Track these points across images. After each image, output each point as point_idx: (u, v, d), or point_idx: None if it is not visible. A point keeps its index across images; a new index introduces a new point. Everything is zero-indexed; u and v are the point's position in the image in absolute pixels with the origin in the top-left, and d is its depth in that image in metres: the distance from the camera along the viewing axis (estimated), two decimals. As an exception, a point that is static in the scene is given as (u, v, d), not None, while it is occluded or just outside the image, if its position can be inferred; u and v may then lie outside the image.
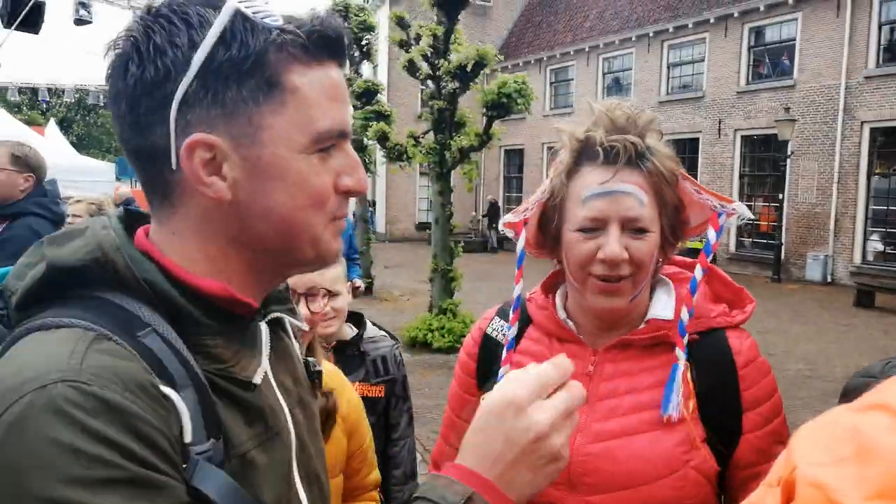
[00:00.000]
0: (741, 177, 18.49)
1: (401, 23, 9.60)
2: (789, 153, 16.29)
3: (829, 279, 16.13)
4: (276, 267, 0.75)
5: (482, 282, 13.52)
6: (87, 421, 0.54)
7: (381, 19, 26.86)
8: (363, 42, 17.56)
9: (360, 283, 7.03)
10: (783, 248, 16.75)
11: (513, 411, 0.70)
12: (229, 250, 0.71)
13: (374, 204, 29.30)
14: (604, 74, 22.72)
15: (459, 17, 9.10)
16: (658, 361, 1.16)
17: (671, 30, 19.88)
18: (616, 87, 22.38)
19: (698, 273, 1.17)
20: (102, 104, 37.99)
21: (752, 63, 18.33)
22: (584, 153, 1.14)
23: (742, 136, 18.41)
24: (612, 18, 22.42)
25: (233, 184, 0.68)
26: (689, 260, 1.28)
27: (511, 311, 1.27)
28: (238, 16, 0.65)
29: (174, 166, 0.67)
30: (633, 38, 21.01)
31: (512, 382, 0.73)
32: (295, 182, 0.69)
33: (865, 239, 15.96)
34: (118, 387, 0.57)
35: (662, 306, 1.20)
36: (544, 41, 25.34)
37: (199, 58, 0.64)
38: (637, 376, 1.16)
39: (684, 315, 1.15)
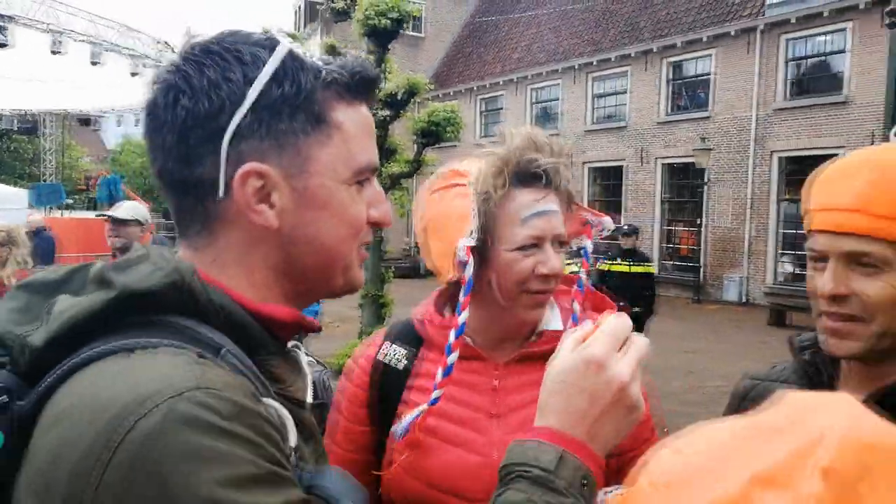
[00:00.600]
0: (663, 202, 19.28)
1: (332, 52, 9.64)
2: (706, 180, 17.14)
3: (745, 300, 16.95)
4: (309, 295, 0.79)
5: (414, 307, 13.45)
6: (225, 424, 0.56)
7: (313, 48, 26.84)
8: (294, 68, 17.34)
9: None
10: (702, 270, 17.53)
11: (594, 368, 0.75)
12: (270, 278, 0.74)
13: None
14: (532, 104, 23.38)
15: (391, 47, 9.21)
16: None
17: (595, 63, 20.69)
18: (544, 116, 23.05)
19: (584, 276, 1.28)
20: (16, 128, 36.25)
21: (671, 95, 19.27)
22: (517, 176, 1.18)
23: (663, 164, 19.25)
24: (539, 51, 23.16)
25: (280, 212, 0.71)
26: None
27: (455, 337, 1.21)
28: (290, 56, 0.71)
29: (221, 195, 0.70)
30: (560, 70, 21.75)
31: (581, 343, 0.77)
32: (338, 211, 0.74)
33: (777, 261, 16.89)
34: (241, 392, 0.60)
35: (553, 318, 1.28)
36: (475, 71, 25.90)
37: (253, 92, 0.68)
38: (540, 387, 1.20)
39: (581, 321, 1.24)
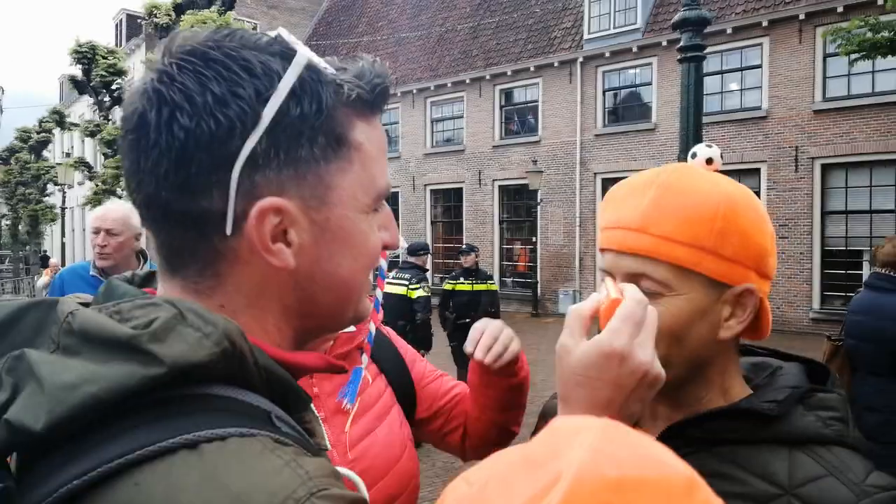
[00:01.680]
0: (501, 222, 20.15)
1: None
2: (539, 201, 18.18)
3: (578, 312, 18.07)
4: (317, 332, 0.70)
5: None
6: None
7: (136, 64, 25.15)
8: (113, 87, 16.17)
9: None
10: (539, 285, 18.51)
11: (617, 361, 0.72)
12: (282, 322, 0.64)
13: (144, 255, 26.76)
14: (373, 127, 23.48)
15: (256, 31, 8.84)
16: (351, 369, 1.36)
17: (432, 88, 21.29)
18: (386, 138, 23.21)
19: (379, 295, 1.37)
20: None
21: (503, 120, 20.28)
22: None
23: (499, 186, 20.15)
24: (378, 74, 23.38)
25: (298, 249, 0.61)
26: None
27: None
28: (310, 67, 0.59)
29: (229, 231, 0.58)
30: (399, 94, 22.11)
31: (602, 334, 0.74)
32: (359, 243, 0.65)
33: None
34: (333, 475, 0.52)
35: None
36: (313, 93, 25.56)
37: (269, 112, 0.56)
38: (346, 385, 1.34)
39: (372, 328, 1.38)
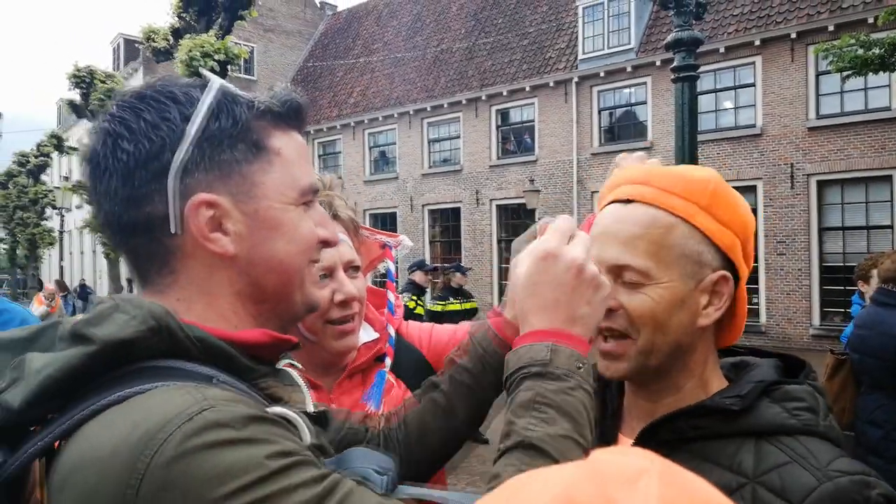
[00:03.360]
0: (499, 241, 20.16)
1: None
2: (537, 220, 18.17)
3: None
4: (273, 318, 0.79)
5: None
6: (239, 434, 0.58)
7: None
8: (112, 110, 16.16)
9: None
10: (539, 305, 18.47)
11: (550, 260, 0.81)
12: (237, 305, 0.75)
13: (130, 282, 26.74)
14: (370, 148, 23.63)
15: (177, 77, 8.90)
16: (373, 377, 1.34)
17: (429, 109, 21.43)
18: (383, 159, 23.38)
19: (391, 297, 1.36)
20: None
21: (500, 140, 20.39)
22: None
23: (497, 205, 20.21)
24: (375, 96, 23.59)
25: (236, 238, 0.73)
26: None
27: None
28: (222, 91, 0.74)
29: (174, 230, 0.71)
30: (396, 115, 22.25)
31: (534, 243, 0.84)
32: (289, 230, 0.76)
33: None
34: (244, 404, 0.62)
35: (364, 333, 1.34)
36: (311, 115, 25.33)
37: (192, 128, 0.71)
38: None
39: (392, 331, 1.36)
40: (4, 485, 0.63)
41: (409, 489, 0.80)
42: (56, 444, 0.64)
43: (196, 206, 0.71)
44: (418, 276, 7.79)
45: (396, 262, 1.39)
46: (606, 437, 1.02)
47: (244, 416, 0.60)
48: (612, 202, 0.98)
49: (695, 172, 0.95)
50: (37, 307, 10.60)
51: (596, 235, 0.95)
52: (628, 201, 0.95)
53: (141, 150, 0.70)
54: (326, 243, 0.82)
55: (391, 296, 1.38)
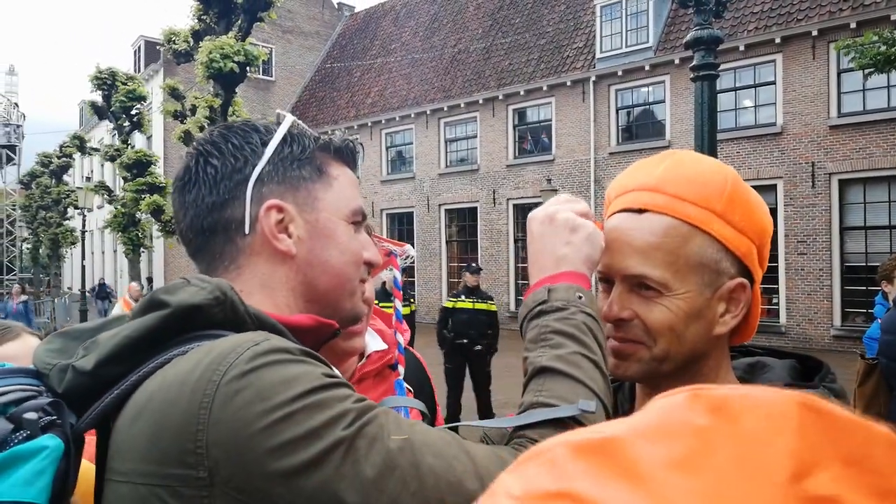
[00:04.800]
0: (516, 241, 20.13)
1: (174, 94, 9.20)
2: (554, 219, 18.12)
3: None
4: (323, 316, 0.88)
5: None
6: (299, 357, 0.70)
7: (155, 89, 25.58)
8: (133, 112, 16.43)
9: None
10: (556, 305, 18.40)
11: (529, 223, 0.96)
12: (290, 299, 0.86)
13: (150, 280, 27.03)
14: (387, 148, 23.71)
15: (237, 90, 8.97)
16: (387, 384, 1.37)
17: (446, 108, 21.46)
18: (400, 159, 23.44)
19: (398, 305, 1.40)
20: None
21: (517, 140, 20.36)
22: None
23: (514, 205, 20.18)
24: (392, 96, 23.66)
25: (297, 241, 0.85)
26: None
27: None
28: (294, 125, 0.91)
29: (247, 230, 0.84)
30: (413, 115, 22.30)
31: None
32: (342, 242, 0.89)
33: (621, 293, 18.11)
34: (297, 346, 0.73)
35: (373, 341, 1.38)
36: (328, 115, 25.89)
37: (270, 149, 0.86)
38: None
39: (401, 339, 1.42)
40: (75, 439, 0.70)
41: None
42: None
43: (268, 209, 0.84)
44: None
45: (402, 271, 1.43)
46: None
47: (299, 349, 0.72)
48: (622, 210, 0.94)
49: (708, 174, 0.91)
50: (123, 309, 9.96)
51: (609, 243, 0.93)
52: (641, 211, 0.91)
53: (227, 165, 0.85)
54: (370, 264, 0.93)
55: (398, 303, 1.41)
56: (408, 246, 1.40)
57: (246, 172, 0.85)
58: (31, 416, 0.68)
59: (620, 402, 1.06)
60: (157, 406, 0.66)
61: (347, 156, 0.94)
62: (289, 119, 0.90)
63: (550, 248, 0.91)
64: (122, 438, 0.69)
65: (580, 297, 0.87)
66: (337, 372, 0.76)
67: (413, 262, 1.56)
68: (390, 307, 1.52)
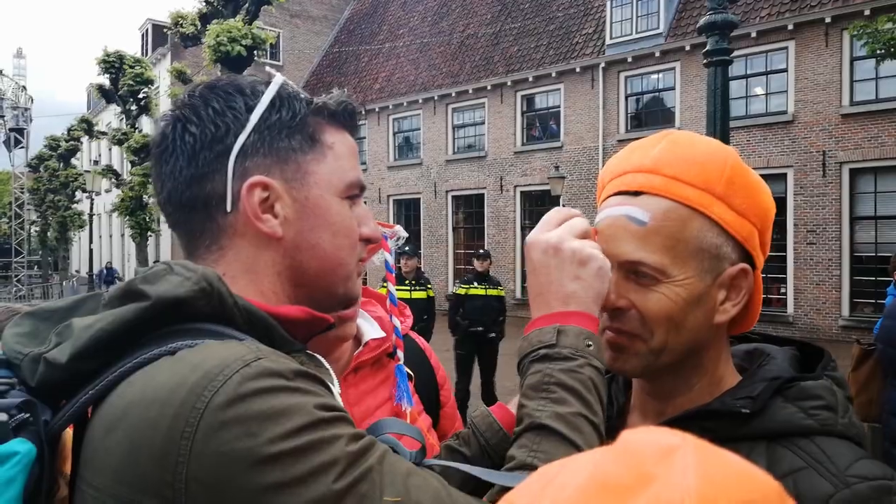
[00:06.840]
0: (523, 228, 20.08)
1: (182, 77, 9.17)
2: (561, 206, 18.06)
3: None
4: (312, 303, 0.81)
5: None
6: (291, 384, 0.63)
7: (162, 73, 25.56)
8: (140, 96, 16.43)
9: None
10: (562, 292, 18.40)
11: (530, 249, 0.87)
12: (277, 285, 0.79)
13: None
14: (394, 133, 23.64)
15: (244, 75, 8.94)
16: (386, 372, 1.32)
17: (454, 94, 21.35)
18: (407, 145, 23.38)
19: (391, 288, 1.37)
20: None
21: (525, 126, 20.26)
22: None
23: (521, 192, 20.11)
24: (400, 82, 23.55)
25: (284, 221, 0.77)
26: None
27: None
28: (284, 87, 0.80)
29: (229, 208, 0.76)
30: (420, 101, 22.20)
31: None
32: (335, 222, 0.80)
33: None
34: (288, 359, 0.66)
35: (372, 329, 1.34)
36: (336, 100, 25.79)
37: (254, 117, 0.76)
38: (377, 391, 1.29)
39: (397, 323, 1.35)
40: (49, 438, 0.65)
41: (434, 462, 0.81)
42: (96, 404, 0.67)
43: (251, 186, 0.76)
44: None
45: (392, 253, 1.37)
46: (612, 436, 0.99)
47: (293, 370, 0.64)
48: (618, 193, 0.90)
49: (707, 154, 0.86)
50: None
51: (603, 229, 0.89)
52: (637, 193, 0.87)
53: (207, 134, 0.76)
54: (368, 240, 0.86)
55: (391, 287, 1.38)
56: (398, 227, 1.34)
57: (227, 142, 0.76)
58: (2, 416, 0.63)
59: (614, 394, 1.03)
60: (135, 423, 0.61)
61: (345, 119, 0.85)
62: (278, 80, 0.80)
63: (557, 282, 0.83)
64: (95, 447, 0.63)
65: (589, 346, 0.80)
66: (335, 394, 0.71)
67: (405, 245, 1.52)
68: (405, 290, 1.47)
